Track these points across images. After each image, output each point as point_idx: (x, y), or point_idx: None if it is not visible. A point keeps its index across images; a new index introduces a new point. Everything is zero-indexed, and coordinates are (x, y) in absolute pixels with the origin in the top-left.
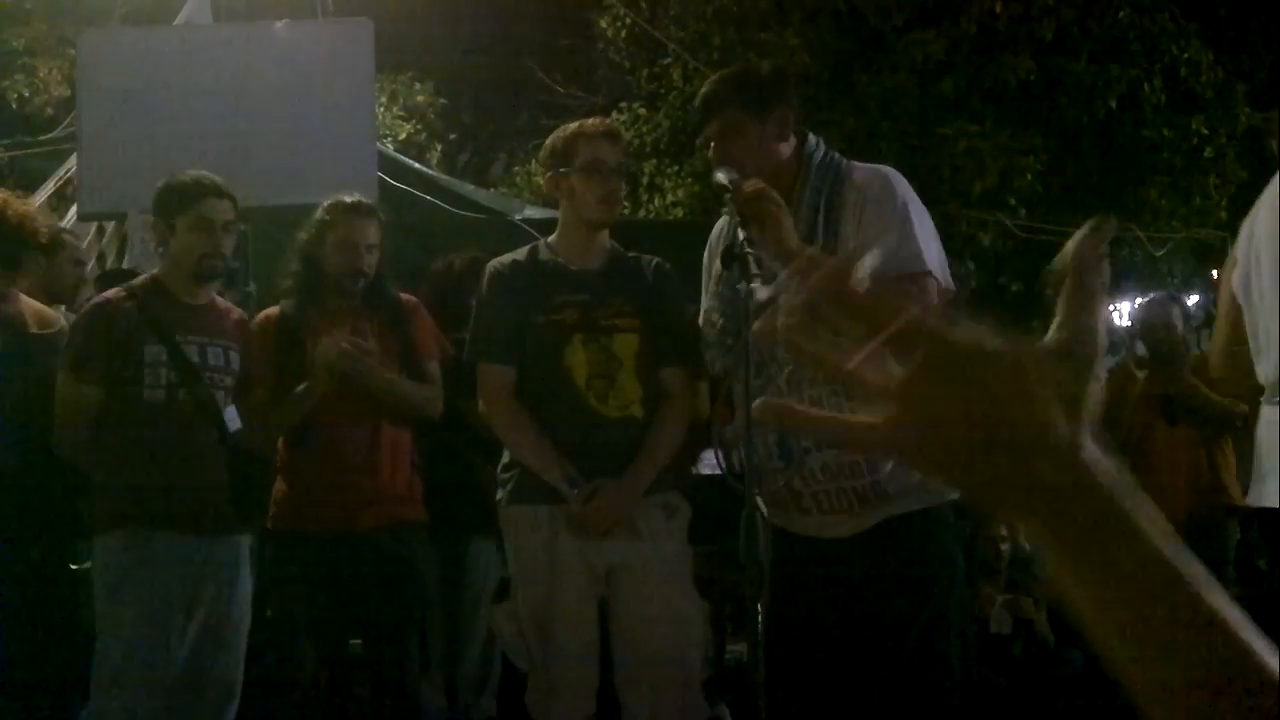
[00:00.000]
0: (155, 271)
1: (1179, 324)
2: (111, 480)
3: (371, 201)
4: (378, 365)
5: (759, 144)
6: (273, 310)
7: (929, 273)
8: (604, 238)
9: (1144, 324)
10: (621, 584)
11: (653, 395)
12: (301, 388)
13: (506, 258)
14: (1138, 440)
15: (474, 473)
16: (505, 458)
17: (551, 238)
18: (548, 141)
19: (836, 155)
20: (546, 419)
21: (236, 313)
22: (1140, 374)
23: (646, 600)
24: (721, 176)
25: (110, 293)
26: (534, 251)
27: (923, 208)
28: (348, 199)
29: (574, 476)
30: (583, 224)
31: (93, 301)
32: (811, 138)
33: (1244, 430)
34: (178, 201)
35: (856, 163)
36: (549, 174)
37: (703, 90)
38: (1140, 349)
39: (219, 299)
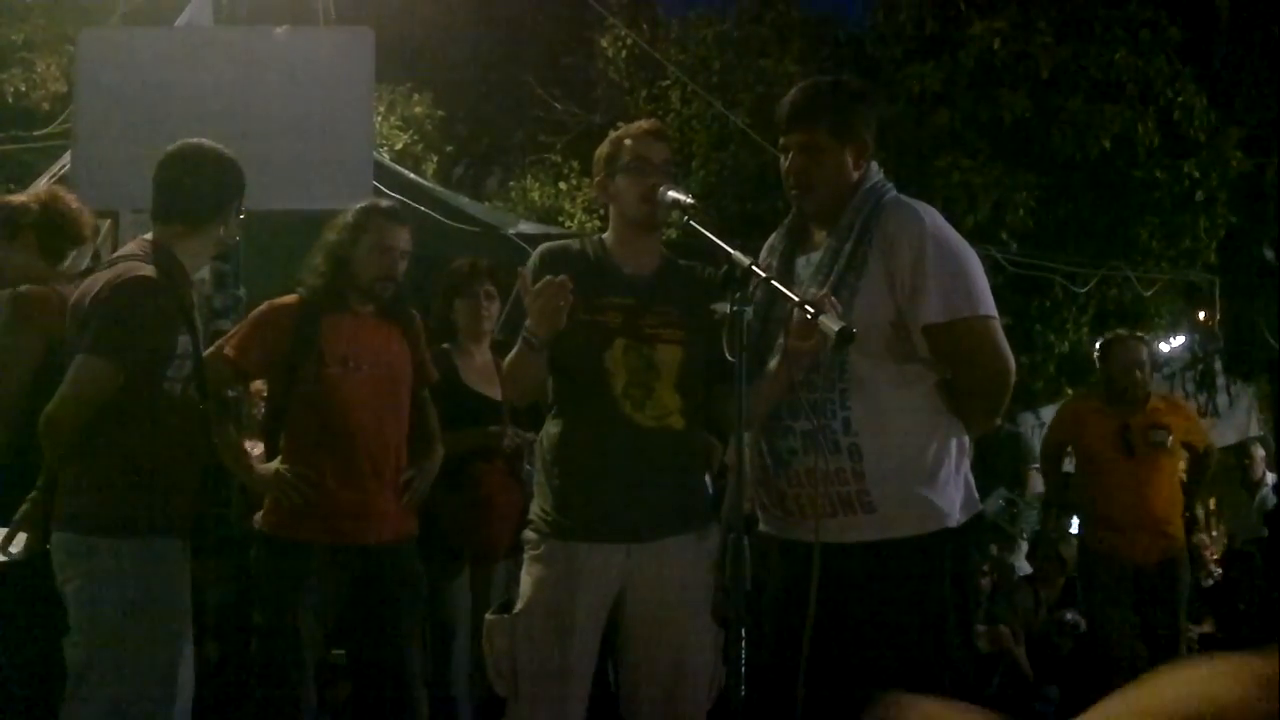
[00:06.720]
0: None
1: (1148, 364)
2: None
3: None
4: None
5: (836, 170)
6: (289, 298)
7: (989, 316)
8: (655, 242)
9: (1115, 360)
10: (637, 607)
11: (694, 407)
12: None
13: (560, 243)
14: (1098, 471)
15: (439, 511)
16: (536, 473)
17: (605, 235)
18: (596, 152)
19: (886, 183)
20: (582, 420)
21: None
22: (1105, 407)
23: (661, 626)
24: (674, 195)
25: None
26: (587, 244)
27: (963, 242)
28: (383, 204)
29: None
30: (628, 225)
31: None
32: (873, 163)
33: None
34: None
35: (896, 195)
36: (598, 180)
37: (795, 97)
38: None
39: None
